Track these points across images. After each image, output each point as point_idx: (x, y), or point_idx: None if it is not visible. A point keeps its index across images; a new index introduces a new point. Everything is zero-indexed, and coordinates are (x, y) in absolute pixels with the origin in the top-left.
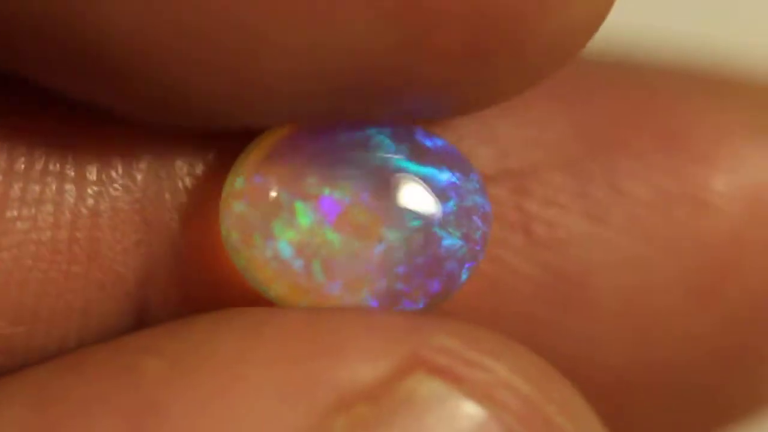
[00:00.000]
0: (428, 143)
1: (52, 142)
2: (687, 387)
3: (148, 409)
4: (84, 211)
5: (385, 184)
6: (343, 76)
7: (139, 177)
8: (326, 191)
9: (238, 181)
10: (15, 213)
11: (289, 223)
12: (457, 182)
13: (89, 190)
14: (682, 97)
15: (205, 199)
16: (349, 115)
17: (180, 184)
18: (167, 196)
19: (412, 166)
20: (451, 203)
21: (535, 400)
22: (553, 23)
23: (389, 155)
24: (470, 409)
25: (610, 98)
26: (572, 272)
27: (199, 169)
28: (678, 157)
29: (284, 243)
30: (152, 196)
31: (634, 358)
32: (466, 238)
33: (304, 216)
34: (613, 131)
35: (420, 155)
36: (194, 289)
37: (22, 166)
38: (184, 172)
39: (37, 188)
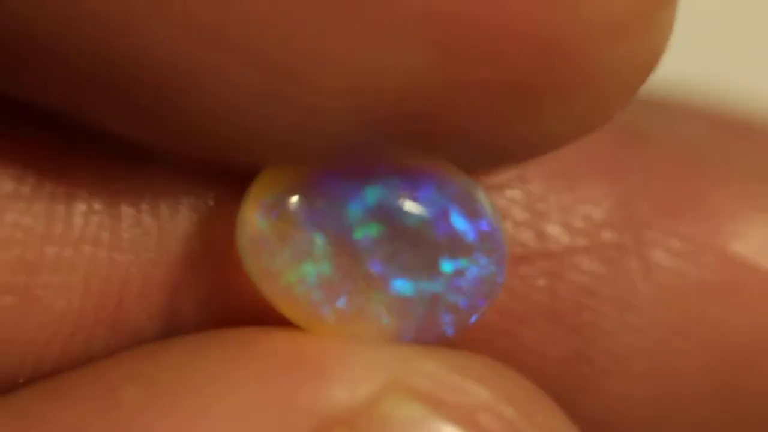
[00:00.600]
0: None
1: (90, 208)
2: None
3: None
4: (114, 278)
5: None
6: (390, 105)
7: (171, 246)
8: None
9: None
10: (46, 279)
11: (308, 255)
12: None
13: (121, 258)
14: (725, 190)
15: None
16: (387, 151)
17: (211, 249)
18: (199, 258)
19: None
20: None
21: (518, 424)
22: (606, 63)
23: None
24: None
25: (653, 177)
26: (598, 359)
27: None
28: (714, 252)
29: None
30: (183, 261)
31: None
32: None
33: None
34: (651, 218)
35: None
36: None
37: (60, 230)
38: (217, 236)
39: (71, 254)
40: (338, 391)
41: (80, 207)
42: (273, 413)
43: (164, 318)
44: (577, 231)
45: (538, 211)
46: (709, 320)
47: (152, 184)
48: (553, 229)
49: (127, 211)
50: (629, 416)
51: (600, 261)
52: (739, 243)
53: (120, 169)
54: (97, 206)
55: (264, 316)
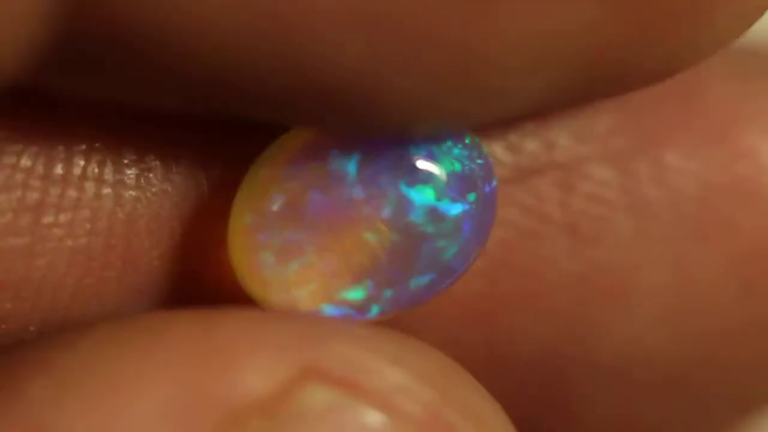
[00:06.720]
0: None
1: (91, 146)
2: (723, 383)
3: None
4: (121, 216)
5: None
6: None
7: (177, 180)
8: None
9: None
10: (51, 219)
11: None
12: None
13: (127, 195)
14: (731, 89)
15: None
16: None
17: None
18: (205, 198)
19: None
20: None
21: (437, 406)
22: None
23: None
24: (367, 418)
25: (658, 89)
26: (616, 270)
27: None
28: (725, 152)
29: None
30: (191, 200)
31: (673, 356)
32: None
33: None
34: (660, 124)
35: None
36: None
37: (61, 170)
38: (219, 173)
39: (74, 194)
40: (251, 378)
41: (80, 146)
42: (187, 406)
43: (177, 257)
44: (584, 140)
45: (543, 124)
46: (725, 222)
47: (153, 142)
48: (561, 138)
49: (128, 155)
50: (647, 334)
51: (611, 169)
52: (752, 143)
53: (123, 128)
54: (97, 144)
55: None
